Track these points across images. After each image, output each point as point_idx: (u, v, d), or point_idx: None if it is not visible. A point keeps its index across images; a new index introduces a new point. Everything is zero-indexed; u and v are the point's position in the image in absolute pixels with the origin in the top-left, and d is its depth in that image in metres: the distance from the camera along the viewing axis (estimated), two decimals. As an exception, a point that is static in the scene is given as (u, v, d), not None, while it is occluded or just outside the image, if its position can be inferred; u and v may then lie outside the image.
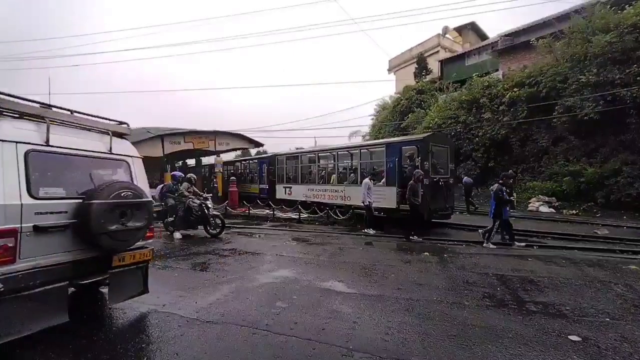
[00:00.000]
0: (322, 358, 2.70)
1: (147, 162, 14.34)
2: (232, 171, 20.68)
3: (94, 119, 3.50)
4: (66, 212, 2.89)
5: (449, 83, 22.72)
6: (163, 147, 16.41)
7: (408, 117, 22.64)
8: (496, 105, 16.77)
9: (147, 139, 15.81)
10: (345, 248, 7.11)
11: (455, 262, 5.79)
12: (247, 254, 6.42)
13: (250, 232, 9.08)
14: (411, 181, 8.19)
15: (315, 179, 13.19)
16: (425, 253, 6.46)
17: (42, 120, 2.93)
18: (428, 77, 26.67)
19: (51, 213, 2.78)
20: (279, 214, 12.24)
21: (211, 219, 8.35)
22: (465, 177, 13.50)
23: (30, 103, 2.99)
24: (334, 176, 12.36)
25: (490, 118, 16.71)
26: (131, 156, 3.77)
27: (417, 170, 8.52)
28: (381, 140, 12.32)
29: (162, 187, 9.38)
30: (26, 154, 2.70)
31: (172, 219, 8.62)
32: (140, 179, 3.75)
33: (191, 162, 25.47)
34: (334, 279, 4.78)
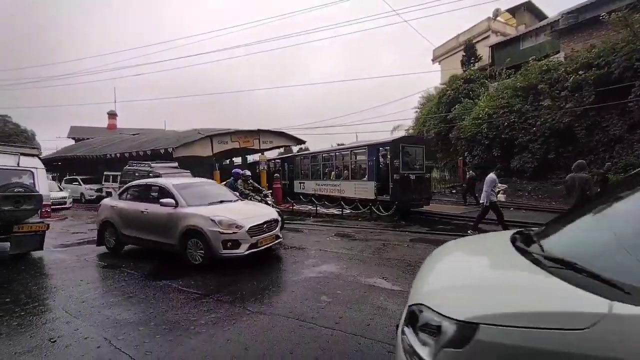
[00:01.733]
0: (368, 353, 2.69)
1: (198, 161, 15.17)
2: (274, 168, 21.32)
3: (8, 147, 6.25)
4: None
5: (502, 69, 21.05)
6: (212, 146, 17.35)
7: (455, 109, 21.45)
8: (557, 91, 15.17)
9: (197, 140, 16.82)
10: (389, 244, 6.97)
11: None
12: (291, 249, 6.59)
13: (294, 228, 9.27)
14: (230, 179, 9.10)
15: (320, 175, 15.56)
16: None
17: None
18: (477, 65, 24.98)
19: None
20: (321, 210, 12.37)
21: None
22: (470, 172, 13.94)
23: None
24: (333, 173, 14.75)
25: (550, 105, 15.17)
26: (36, 167, 6.25)
27: (235, 170, 9.42)
28: (363, 143, 14.07)
29: (224, 185, 9.38)
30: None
31: None
32: (41, 181, 6.21)
33: (237, 160, 26.69)
34: (379, 276, 4.72)
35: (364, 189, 12.21)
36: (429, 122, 23.93)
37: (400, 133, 29.62)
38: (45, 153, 41.43)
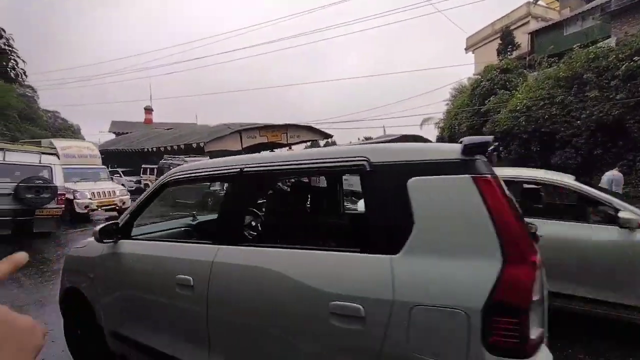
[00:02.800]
0: None
1: (228, 154, 15.82)
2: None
3: (32, 147, 8.37)
4: (10, 189, 6.94)
5: (542, 58, 19.67)
6: (241, 141, 17.80)
7: (489, 101, 20.39)
8: (606, 81, 13.95)
9: (227, 134, 17.32)
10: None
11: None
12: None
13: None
14: None
15: None
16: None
17: (2, 149, 7.16)
18: (515, 53, 23.53)
19: (3, 189, 6.88)
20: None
21: None
22: None
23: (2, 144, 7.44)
24: None
25: (597, 96, 13.99)
26: (53, 164, 7.84)
27: None
28: (356, 145, 16.23)
29: None
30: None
31: None
32: (57, 175, 7.78)
33: (265, 154, 27.23)
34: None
35: None
36: (460, 114, 22.96)
37: (430, 126, 28.70)
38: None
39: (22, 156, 7.53)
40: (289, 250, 1.62)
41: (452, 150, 1.42)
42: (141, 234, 2.55)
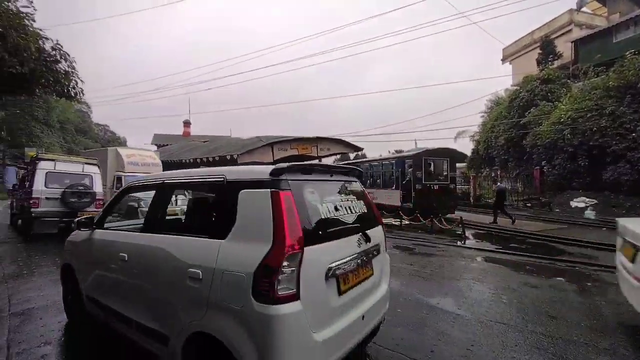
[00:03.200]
0: (433, 385, 2.50)
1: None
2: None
3: (77, 157, 9.85)
4: (58, 194, 8.29)
5: (588, 67, 18.47)
6: (273, 153, 18.21)
7: (530, 112, 19.38)
8: (665, 90, 12.78)
9: (259, 147, 17.81)
10: (453, 261, 6.51)
11: (602, 293, 4.61)
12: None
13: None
14: None
15: None
16: (559, 279, 5.36)
17: (54, 160, 8.83)
18: (556, 63, 22.31)
19: (51, 193, 8.24)
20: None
21: None
22: (498, 184, 13.40)
23: (54, 155, 9.88)
24: (368, 182, 16.32)
25: (655, 107, 12.84)
26: (94, 173, 9.19)
27: None
28: (393, 156, 16.98)
29: None
30: (46, 174, 8.40)
31: None
32: (97, 183, 9.08)
33: (175, 172, 27.54)
34: (442, 296, 4.41)
35: (392, 197, 14.14)
36: (497, 127, 22.00)
37: (465, 140, 27.74)
38: (133, 157, 47.26)
39: (69, 166, 8.98)
40: (169, 235, 2.41)
41: (265, 172, 2.03)
42: (111, 226, 3.38)
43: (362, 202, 2.66)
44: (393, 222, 11.66)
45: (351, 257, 2.22)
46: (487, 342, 3.12)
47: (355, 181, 2.77)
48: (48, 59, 7.00)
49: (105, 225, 3.30)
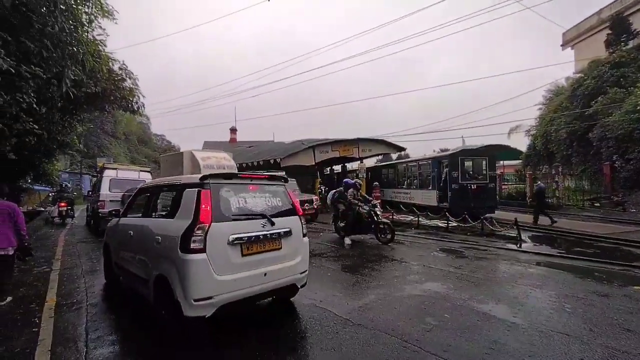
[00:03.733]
0: (485, 394, 2.38)
1: (302, 169, 16.42)
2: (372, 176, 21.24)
3: (134, 166, 13.20)
4: (119, 196, 9.75)
5: (672, 45, 16.06)
6: (314, 156, 18.49)
7: (597, 102, 17.36)
8: None
9: (301, 150, 18.19)
10: (507, 266, 6.08)
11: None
12: (392, 262, 6.42)
13: (395, 239, 9.00)
14: (340, 188, 9.25)
15: (395, 184, 17.92)
16: (637, 287, 4.74)
17: (116, 169, 11.02)
18: (631, 43, 19.71)
19: (114, 196, 9.93)
20: (423, 221, 11.68)
21: (381, 225, 8.30)
22: (538, 183, 12.37)
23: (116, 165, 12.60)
24: (406, 182, 17.17)
25: None
26: (147, 179, 10.29)
27: (345, 179, 9.93)
28: (429, 156, 16.30)
29: (334, 193, 9.47)
30: (110, 180, 10.41)
31: (342, 224, 8.79)
32: None
33: (337, 168, 27.64)
34: (495, 302, 4.16)
35: (429, 197, 14.33)
36: (558, 119, 20.03)
37: (519, 135, 25.65)
38: (187, 164, 51.12)
39: (128, 173, 11.06)
40: (151, 218, 4.00)
41: (197, 178, 3.46)
42: (129, 216, 4.72)
43: (279, 198, 3.94)
44: (439, 224, 11.18)
45: (255, 233, 3.46)
46: (547, 354, 2.88)
47: (280, 184, 4.11)
48: (116, 78, 7.93)
49: (128, 215, 4.75)
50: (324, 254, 7.27)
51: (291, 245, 3.80)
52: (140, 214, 4.26)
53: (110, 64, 7.76)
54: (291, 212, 3.96)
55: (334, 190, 9.86)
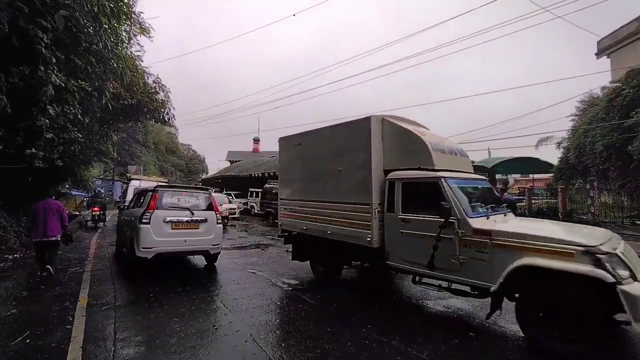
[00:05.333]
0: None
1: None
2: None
3: (153, 177, 21.15)
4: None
5: None
6: (335, 166, 18.58)
7: (636, 112, 16.39)
8: None
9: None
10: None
11: None
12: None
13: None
14: None
15: None
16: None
17: (139, 179, 15.72)
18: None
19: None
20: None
21: None
22: (506, 195, 11.42)
23: (138, 176, 15.76)
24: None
25: None
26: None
27: None
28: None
29: None
30: (134, 189, 12.02)
31: None
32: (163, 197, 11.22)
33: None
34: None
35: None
36: (593, 131, 19.04)
37: (550, 147, 24.56)
38: (211, 172, 52.32)
39: (148, 183, 12.57)
40: (136, 208, 7.03)
41: (153, 186, 6.99)
42: (130, 209, 7.58)
43: (202, 200, 6.76)
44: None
45: (180, 218, 6.29)
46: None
47: (205, 192, 7.07)
48: (150, 91, 8.45)
49: (130, 208, 7.52)
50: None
51: (207, 228, 6.58)
52: (133, 207, 7.27)
53: (146, 78, 8.29)
54: (209, 208, 6.79)
55: None
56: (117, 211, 13.63)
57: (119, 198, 15.28)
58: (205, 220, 6.52)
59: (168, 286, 5.45)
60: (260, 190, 18.35)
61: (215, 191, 30.03)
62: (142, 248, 5.89)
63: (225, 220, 14.16)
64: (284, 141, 6.49)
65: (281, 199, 6.57)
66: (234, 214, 17.53)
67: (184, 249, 6.38)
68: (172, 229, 6.17)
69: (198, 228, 6.44)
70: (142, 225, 5.96)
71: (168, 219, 6.16)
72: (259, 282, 5.77)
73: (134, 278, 5.91)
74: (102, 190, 21.48)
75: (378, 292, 5.27)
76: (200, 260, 7.45)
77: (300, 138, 6.04)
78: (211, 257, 6.90)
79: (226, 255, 8.36)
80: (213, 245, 6.61)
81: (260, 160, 29.54)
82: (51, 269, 5.89)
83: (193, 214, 6.43)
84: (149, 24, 7.24)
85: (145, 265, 6.04)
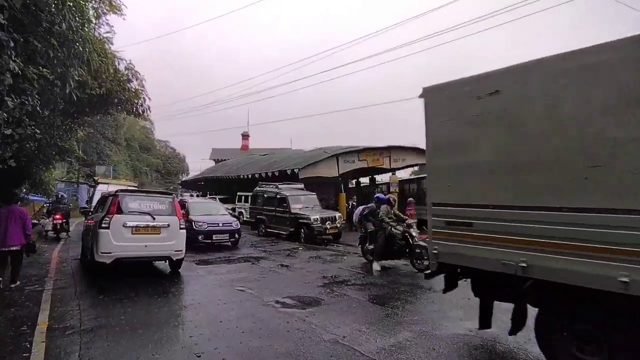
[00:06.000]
0: None
1: (324, 181, 16.45)
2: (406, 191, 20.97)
3: (121, 181, 26.38)
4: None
5: None
6: (338, 166, 18.53)
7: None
8: None
9: (322, 160, 18.24)
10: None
11: None
12: (431, 293, 6.30)
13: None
14: (371, 204, 9.39)
15: (417, 199, 16.23)
16: None
17: (107, 183, 20.41)
18: None
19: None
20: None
21: (416, 249, 8.08)
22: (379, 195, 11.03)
23: (106, 180, 19.57)
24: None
25: None
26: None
27: (377, 194, 10.24)
28: None
29: (363, 210, 9.45)
30: (101, 193, 12.63)
31: (371, 246, 8.77)
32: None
33: (364, 180, 27.52)
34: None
35: None
36: None
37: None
38: (192, 173, 52.37)
39: (116, 187, 12.48)
40: (97, 213, 8.33)
41: (113, 191, 8.17)
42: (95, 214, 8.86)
43: (165, 205, 7.71)
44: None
45: (141, 223, 7.21)
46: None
47: (169, 197, 8.18)
48: (122, 79, 8.47)
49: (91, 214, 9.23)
50: (348, 281, 7.23)
51: (169, 233, 7.41)
52: (96, 213, 8.25)
53: (117, 63, 8.32)
54: (172, 213, 7.67)
55: (363, 207, 9.80)
56: (84, 219, 13.69)
57: (85, 204, 15.27)
58: (167, 226, 7.39)
59: (143, 306, 5.45)
60: (250, 194, 18.34)
61: (196, 195, 30.15)
62: (101, 253, 6.79)
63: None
64: (441, 94, 4.05)
65: (439, 205, 4.06)
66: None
67: (144, 255, 7.29)
68: (132, 233, 7.03)
69: (159, 233, 7.30)
70: (101, 230, 6.84)
71: (128, 223, 7.01)
72: (249, 301, 5.77)
73: (104, 297, 5.90)
74: (66, 195, 21.47)
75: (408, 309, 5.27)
76: (178, 277, 7.48)
77: (499, 81, 3.53)
78: (174, 264, 7.75)
79: (210, 269, 8.37)
80: (175, 251, 7.47)
81: (250, 159, 29.55)
82: (13, 285, 6.34)
83: (154, 218, 7.29)
84: (120, 1, 7.28)
85: (118, 280, 6.64)
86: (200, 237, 10.92)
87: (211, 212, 12.58)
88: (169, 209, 7.70)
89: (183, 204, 11.53)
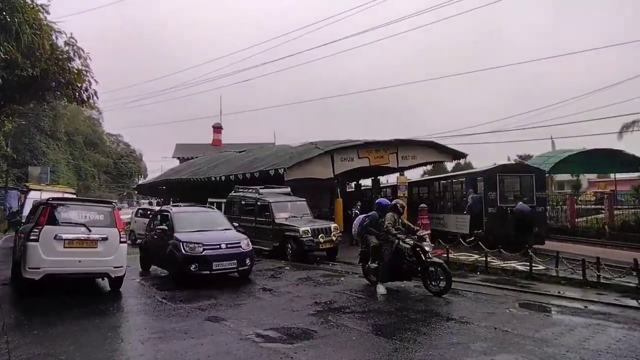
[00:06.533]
0: None
1: (316, 184, 16.48)
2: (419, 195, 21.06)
3: (57, 187, 28.82)
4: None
5: None
6: (333, 165, 18.37)
7: None
8: None
9: (314, 157, 18.10)
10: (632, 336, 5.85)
11: None
12: (448, 321, 6.32)
13: (452, 288, 8.83)
14: (372, 212, 9.57)
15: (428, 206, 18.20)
16: None
17: (40, 190, 20.11)
18: None
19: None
20: (494, 262, 11.45)
21: (430, 268, 7.99)
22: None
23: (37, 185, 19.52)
24: (440, 203, 19.98)
25: None
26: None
27: (379, 200, 10.26)
28: (463, 172, 19.50)
29: (364, 219, 9.44)
30: (33, 202, 14.46)
31: (375, 265, 8.67)
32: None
33: (366, 182, 27.59)
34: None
35: (462, 223, 16.38)
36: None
37: (637, 134, 25.05)
38: (150, 175, 51.91)
39: (52, 195, 13.73)
40: (28, 224, 9.30)
41: (46, 200, 9.44)
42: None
43: (103, 215, 8.32)
44: (518, 267, 10.89)
45: (74, 235, 7.71)
46: None
47: (108, 206, 8.98)
48: (61, 57, 8.36)
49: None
50: (346, 308, 7.24)
51: (107, 247, 7.92)
52: (27, 223, 8.88)
53: (54, 37, 8.21)
54: (111, 225, 8.19)
55: (364, 215, 9.76)
56: (12, 230, 13.59)
57: (14, 211, 15.27)
58: (105, 239, 7.88)
59: (90, 342, 5.43)
60: (224, 200, 18.21)
61: (156, 202, 29.74)
62: (29, 268, 7.30)
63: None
64: None
65: None
66: None
67: (78, 270, 7.76)
68: (64, 247, 7.53)
69: (96, 247, 7.83)
70: (29, 243, 7.36)
71: (59, 236, 7.50)
72: (223, 334, 5.74)
73: (38, 332, 5.81)
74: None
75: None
76: (134, 306, 7.49)
77: None
78: (114, 281, 8.33)
79: (173, 294, 8.30)
80: (114, 267, 7.97)
81: (223, 157, 29.38)
82: None
83: (90, 230, 7.79)
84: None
85: (57, 311, 6.65)
86: (192, 267, 8.92)
87: (208, 226, 10.44)
88: (108, 220, 8.23)
89: (164, 217, 10.95)
